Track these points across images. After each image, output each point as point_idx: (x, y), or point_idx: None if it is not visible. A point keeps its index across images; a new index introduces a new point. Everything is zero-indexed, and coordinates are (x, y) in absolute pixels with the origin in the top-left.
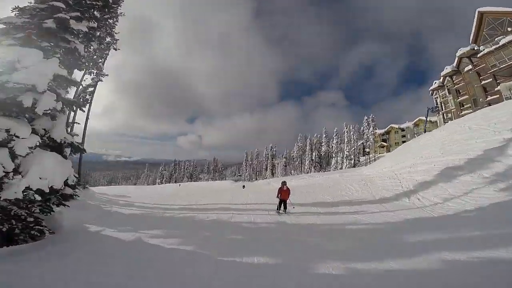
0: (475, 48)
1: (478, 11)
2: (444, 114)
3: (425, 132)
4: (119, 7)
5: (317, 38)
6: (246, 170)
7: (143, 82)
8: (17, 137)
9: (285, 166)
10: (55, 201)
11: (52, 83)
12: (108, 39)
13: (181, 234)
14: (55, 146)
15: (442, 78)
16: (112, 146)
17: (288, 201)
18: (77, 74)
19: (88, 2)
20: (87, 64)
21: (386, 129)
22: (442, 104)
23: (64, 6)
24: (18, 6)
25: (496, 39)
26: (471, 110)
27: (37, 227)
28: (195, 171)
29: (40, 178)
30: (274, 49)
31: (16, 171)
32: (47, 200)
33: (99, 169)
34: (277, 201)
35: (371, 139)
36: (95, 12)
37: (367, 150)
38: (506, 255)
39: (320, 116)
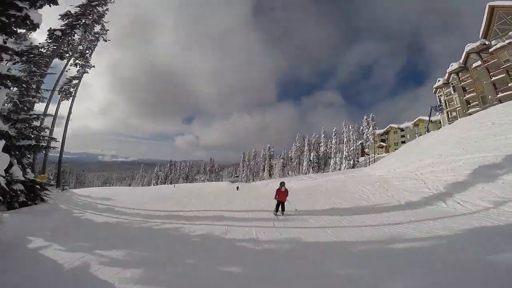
0: (486, 43)
1: (489, 6)
2: (449, 113)
3: (428, 131)
4: None
5: (316, 36)
6: (243, 171)
7: (141, 81)
8: None
9: (284, 166)
10: None
11: None
12: (97, 28)
13: (150, 261)
14: None
15: (447, 75)
16: (108, 146)
17: (286, 202)
18: (59, 64)
19: None
20: (70, 53)
21: (385, 129)
22: (447, 102)
23: None
24: None
25: (510, 33)
26: (478, 108)
27: None
28: (191, 172)
29: None
30: (273, 48)
31: None
32: None
33: (94, 170)
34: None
35: (371, 139)
36: None
37: (366, 150)
38: None
39: (318, 116)
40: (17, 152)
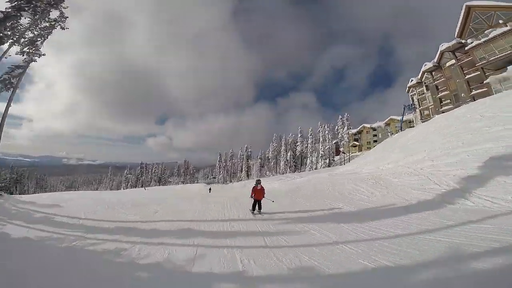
0: (462, 42)
1: (466, 5)
2: (422, 111)
3: (401, 129)
4: None
5: (293, 39)
6: (220, 172)
7: (111, 80)
8: None
9: (261, 167)
10: None
11: None
12: (53, 14)
13: None
14: None
15: (420, 74)
16: (74, 149)
17: (263, 200)
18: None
19: None
20: (14, 39)
21: (358, 129)
22: (419, 101)
23: None
24: None
25: (486, 31)
26: (451, 106)
27: None
28: (164, 174)
29: None
30: (250, 49)
31: None
32: None
33: (58, 174)
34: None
35: (346, 138)
36: None
37: (341, 149)
38: None
39: (294, 117)
40: None
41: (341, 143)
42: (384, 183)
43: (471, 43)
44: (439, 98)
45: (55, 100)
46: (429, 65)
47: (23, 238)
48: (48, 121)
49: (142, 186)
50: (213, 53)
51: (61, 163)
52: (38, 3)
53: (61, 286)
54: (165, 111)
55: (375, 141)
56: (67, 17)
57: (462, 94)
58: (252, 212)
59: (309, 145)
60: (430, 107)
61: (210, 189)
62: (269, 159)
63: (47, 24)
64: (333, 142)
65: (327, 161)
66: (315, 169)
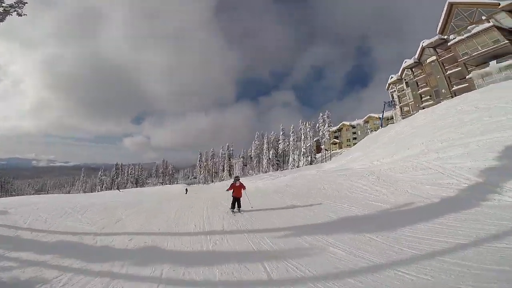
0: (444, 38)
1: (448, 2)
2: (402, 108)
3: (381, 126)
4: None
5: (275, 38)
6: (201, 172)
7: (84, 78)
8: None
9: (244, 165)
10: None
11: None
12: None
13: None
14: None
15: (400, 71)
16: (45, 150)
17: (242, 199)
18: None
19: None
20: None
21: (338, 126)
22: (399, 98)
23: None
24: None
25: (468, 27)
26: (432, 102)
27: None
28: (142, 176)
29: None
30: (233, 47)
31: None
32: None
33: (27, 177)
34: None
35: (327, 135)
36: None
37: (322, 146)
38: None
39: (275, 116)
40: None
41: (322, 141)
42: (387, 178)
43: (454, 39)
44: (420, 94)
45: (22, 98)
46: (409, 61)
47: None
48: (15, 121)
49: (117, 188)
50: (195, 50)
51: (31, 165)
52: None
53: None
54: (143, 110)
55: (355, 138)
56: (26, 2)
57: (443, 90)
58: (232, 211)
59: (291, 143)
60: (410, 103)
61: (186, 189)
62: (251, 157)
63: (0, 10)
64: (314, 140)
65: (309, 158)
66: (297, 167)
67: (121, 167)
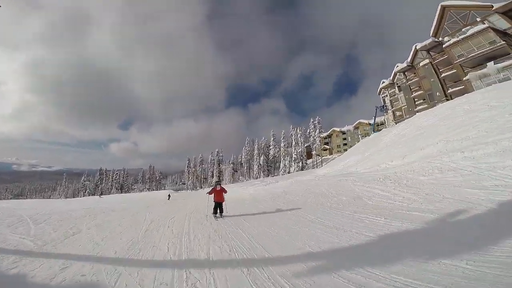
0: (437, 41)
1: (441, 5)
2: (394, 112)
3: (373, 131)
4: None
5: (265, 46)
6: (189, 178)
7: (69, 81)
8: None
9: (234, 171)
10: None
11: None
12: None
13: None
14: None
15: (392, 75)
16: (26, 154)
17: (224, 203)
18: None
19: None
20: None
21: (328, 132)
22: (392, 102)
23: None
24: None
25: (463, 29)
26: (426, 105)
27: None
28: (127, 181)
29: None
30: (223, 54)
31: None
32: None
33: (7, 181)
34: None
35: (318, 141)
36: None
37: (313, 152)
38: None
39: (264, 123)
40: None
41: (313, 147)
42: (408, 182)
43: (448, 41)
44: (413, 98)
45: (4, 101)
46: (402, 65)
47: None
48: None
49: (102, 194)
50: (184, 56)
51: (11, 169)
52: None
53: None
54: (130, 116)
55: (345, 144)
56: None
57: (437, 93)
58: (215, 216)
59: (281, 148)
60: (403, 107)
61: (169, 195)
62: (242, 163)
63: None
64: (305, 146)
65: (300, 164)
66: (288, 172)
67: (105, 172)
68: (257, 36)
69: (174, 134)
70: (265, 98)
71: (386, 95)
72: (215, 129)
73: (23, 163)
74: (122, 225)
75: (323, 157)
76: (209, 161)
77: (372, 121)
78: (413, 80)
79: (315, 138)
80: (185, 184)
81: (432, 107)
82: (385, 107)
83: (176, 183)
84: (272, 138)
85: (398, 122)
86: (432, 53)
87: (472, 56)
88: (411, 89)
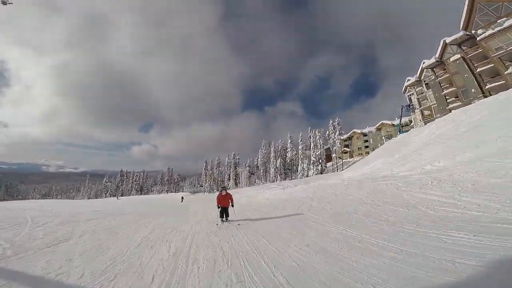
0: (469, 34)
1: None
2: (422, 111)
3: (400, 132)
4: None
5: (280, 47)
6: (206, 180)
7: (92, 84)
8: None
9: (251, 174)
10: None
11: None
12: None
13: None
14: None
15: (419, 72)
16: (55, 156)
17: (232, 209)
18: None
19: None
20: None
21: (348, 134)
22: (419, 101)
23: None
24: None
25: (498, 21)
26: (459, 103)
27: None
28: (146, 183)
29: None
30: (238, 56)
31: None
32: None
33: (37, 182)
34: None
35: (338, 143)
36: None
37: (333, 155)
38: None
39: (281, 125)
40: None
41: (333, 149)
42: (476, 186)
43: (482, 34)
44: (444, 96)
45: (33, 104)
46: (429, 61)
47: None
48: (26, 127)
49: (122, 195)
50: (200, 59)
51: (41, 170)
52: None
53: None
54: (150, 119)
55: (367, 146)
56: None
57: (472, 90)
58: (222, 220)
59: (299, 151)
60: (432, 106)
61: (182, 198)
62: (258, 166)
63: None
64: (324, 148)
65: (319, 167)
66: (307, 176)
67: (126, 174)
68: (271, 37)
69: (192, 137)
70: (281, 100)
71: (413, 94)
72: (231, 132)
73: (51, 164)
74: (119, 233)
75: (344, 160)
76: (225, 163)
77: (396, 122)
78: (443, 77)
79: (335, 140)
80: (202, 186)
81: (467, 104)
82: (411, 106)
83: (194, 186)
84: (289, 141)
85: (427, 122)
86: (463, 47)
87: None
88: (441, 86)
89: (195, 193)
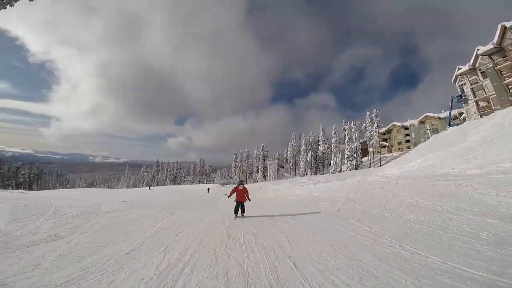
0: None
1: None
2: (477, 102)
3: (449, 125)
4: None
5: (309, 38)
6: (236, 172)
7: (131, 81)
8: None
9: (281, 167)
10: None
11: None
12: None
13: None
14: None
15: (473, 59)
16: (100, 147)
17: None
18: None
19: None
20: None
21: (387, 127)
22: (473, 91)
23: None
24: None
25: None
26: None
27: None
28: (180, 174)
29: None
30: (266, 48)
31: None
32: None
33: (84, 171)
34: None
35: (375, 137)
36: None
37: (370, 149)
38: None
39: (312, 118)
40: None
41: (370, 143)
42: None
43: None
44: (506, 85)
45: (80, 100)
46: (485, 48)
47: None
48: (75, 121)
49: (157, 185)
50: (230, 52)
51: (88, 160)
52: None
53: None
54: (184, 112)
55: (408, 140)
56: None
57: None
58: (235, 216)
59: (332, 144)
60: (490, 96)
61: (208, 189)
62: (287, 159)
63: None
64: (359, 142)
65: (354, 162)
66: (340, 171)
67: (161, 164)
68: (301, 28)
69: (224, 130)
70: (312, 92)
71: (465, 83)
72: (261, 124)
73: (97, 155)
74: (126, 230)
75: (382, 155)
76: (254, 156)
77: (443, 114)
78: (503, 65)
79: (372, 133)
80: (232, 178)
81: None
82: (464, 97)
83: (224, 177)
84: (321, 133)
85: (483, 114)
86: None
87: None
88: (501, 75)
89: (224, 184)
